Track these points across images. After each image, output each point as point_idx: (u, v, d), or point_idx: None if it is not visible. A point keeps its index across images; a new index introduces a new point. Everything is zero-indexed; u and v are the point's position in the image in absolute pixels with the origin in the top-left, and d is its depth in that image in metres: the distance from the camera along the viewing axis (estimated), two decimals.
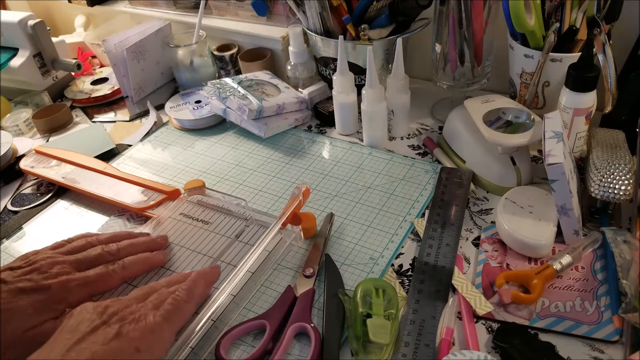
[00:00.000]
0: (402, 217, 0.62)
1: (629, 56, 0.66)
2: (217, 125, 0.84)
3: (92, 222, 0.67)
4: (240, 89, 0.79)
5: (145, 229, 0.62)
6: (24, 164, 0.76)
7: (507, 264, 0.54)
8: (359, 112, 0.74)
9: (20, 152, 0.82)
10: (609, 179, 0.54)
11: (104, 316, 0.42)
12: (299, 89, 0.83)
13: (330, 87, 0.78)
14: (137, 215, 0.67)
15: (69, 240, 0.55)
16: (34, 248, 0.53)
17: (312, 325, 0.49)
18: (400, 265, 0.56)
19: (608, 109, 0.60)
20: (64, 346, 0.40)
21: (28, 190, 0.75)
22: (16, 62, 0.93)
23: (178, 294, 0.47)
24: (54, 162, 0.76)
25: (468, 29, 0.67)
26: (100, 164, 0.74)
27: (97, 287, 0.52)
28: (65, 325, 0.42)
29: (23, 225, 0.68)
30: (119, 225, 0.66)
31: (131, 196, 0.68)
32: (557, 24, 0.61)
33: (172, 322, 0.45)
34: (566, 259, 0.52)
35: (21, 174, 0.78)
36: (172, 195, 0.67)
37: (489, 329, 0.49)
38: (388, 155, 0.72)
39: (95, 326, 0.41)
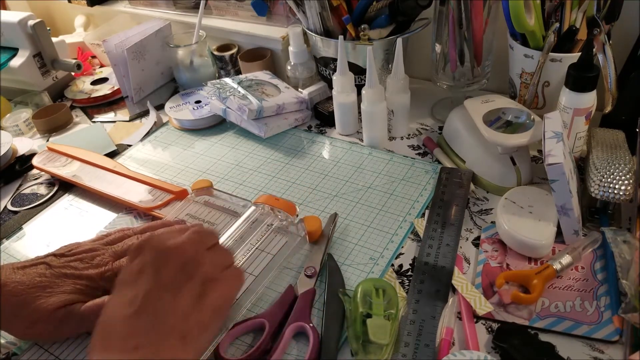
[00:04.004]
0: (402, 217, 0.62)
1: (629, 56, 0.66)
2: (217, 125, 0.84)
3: (96, 221, 0.67)
4: (240, 89, 0.79)
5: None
6: (36, 161, 0.77)
7: (507, 264, 0.54)
8: (359, 112, 0.74)
9: (20, 152, 0.82)
10: (609, 179, 0.54)
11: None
12: (299, 89, 0.83)
13: (330, 87, 0.78)
14: (144, 214, 0.67)
15: (108, 234, 0.57)
16: (34, 248, 0.53)
17: (311, 325, 0.49)
18: (400, 265, 0.56)
19: (608, 109, 0.60)
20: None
21: (28, 190, 0.75)
22: (16, 62, 0.93)
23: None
24: (63, 160, 0.77)
25: (468, 29, 0.67)
26: (110, 162, 0.74)
27: None
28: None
29: (23, 225, 0.68)
30: (126, 222, 0.66)
31: (138, 195, 0.68)
32: (557, 24, 0.61)
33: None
34: (566, 259, 0.52)
35: (21, 174, 0.78)
36: (180, 195, 0.67)
37: (489, 329, 0.49)
38: (388, 155, 0.72)
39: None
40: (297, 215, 0.60)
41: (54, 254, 0.52)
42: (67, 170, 0.74)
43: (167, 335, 0.39)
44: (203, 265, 0.43)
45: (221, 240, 0.57)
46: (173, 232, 0.46)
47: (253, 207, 0.61)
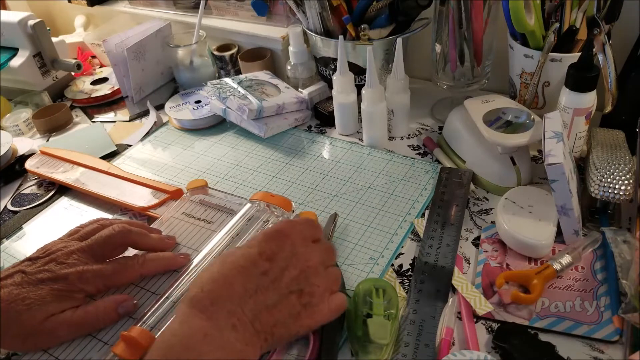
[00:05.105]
0: (402, 217, 0.62)
1: (629, 56, 0.66)
2: (217, 125, 0.84)
3: None
4: (240, 89, 0.79)
5: None
6: (29, 165, 0.77)
7: (507, 264, 0.54)
8: (359, 112, 0.74)
9: (20, 152, 0.82)
10: (609, 179, 0.54)
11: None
12: (299, 89, 0.83)
13: (330, 87, 0.78)
14: (140, 214, 0.67)
15: (83, 226, 0.56)
16: (34, 248, 0.53)
17: None
18: (400, 265, 0.56)
19: (608, 109, 0.60)
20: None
21: (28, 190, 0.75)
22: (16, 62, 0.93)
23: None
24: (58, 162, 0.76)
25: (468, 29, 0.67)
26: (103, 164, 0.74)
27: (114, 280, 0.53)
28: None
29: (23, 225, 0.68)
30: None
31: (134, 196, 0.68)
32: (557, 24, 0.61)
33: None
34: (566, 259, 0.52)
35: (21, 174, 0.78)
36: (175, 194, 0.67)
37: (489, 329, 0.49)
38: (388, 155, 0.72)
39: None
40: (293, 211, 0.60)
41: (29, 258, 0.51)
42: (62, 173, 0.74)
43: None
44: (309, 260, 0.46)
45: (218, 238, 0.57)
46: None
47: (249, 204, 0.61)
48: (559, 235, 0.54)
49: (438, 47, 0.73)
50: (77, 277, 0.50)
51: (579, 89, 0.57)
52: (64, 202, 0.72)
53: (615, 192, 0.53)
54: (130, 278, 0.54)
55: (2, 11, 0.95)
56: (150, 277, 0.55)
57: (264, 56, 0.89)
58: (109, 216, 0.68)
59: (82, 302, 0.51)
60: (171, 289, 0.52)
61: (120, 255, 0.55)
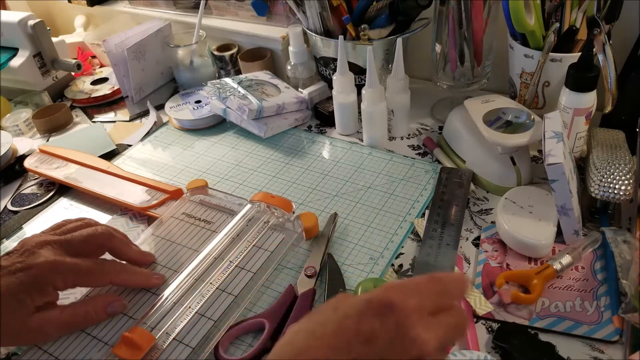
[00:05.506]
0: (402, 217, 0.62)
1: (629, 56, 0.66)
2: (217, 125, 0.84)
3: None
4: (240, 89, 0.79)
5: (148, 229, 0.62)
6: (28, 163, 0.76)
7: (507, 264, 0.54)
8: (359, 112, 0.74)
9: (20, 152, 0.82)
10: (609, 179, 0.54)
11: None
12: (299, 89, 0.83)
13: (330, 87, 0.78)
14: (140, 214, 0.67)
15: (68, 221, 0.55)
16: None
17: None
18: (400, 265, 0.56)
19: (608, 109, 0.60)
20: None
21: (28, 190, 0.75)
22: (16, 62, 0.93)
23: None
24: (57, 161, 0.76)
25: (468, 29, 0.67)
26: (103, 163, 0.74)
27: (85, 279, 0.51)
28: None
29: (23, 225, 0.68)
30: (121, 224, 0.66)
31: (134, 195, 0.68)
32: (557, 24, 0.61)
33: None
34: (566, 259, 0.52)
35: (21, 174, 0.78)
36: (175, 194, 0.67)
37: (489, 329, 0.49)
38: (388, 155, 0.72)
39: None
40: (294, 212, 0.60)
41: (7, 253, 0.50)
42: (61, 172, 0.74)
43: None
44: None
45: (219, 238, 0.57)
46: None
47: (249, 205, 0.61)
48: (559, 235, 0.54)
49: (438, 47, 0.73)
50: (49, 267, 0.48)
51: (579, 89, 0.57)
52: (64, 202, 0.72)
53: (615, 192, 0.53)
54: (103, 282, 0.52)
55: (2, 11, 0.95)
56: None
57: (264, 56, 0.89)
58: (108, 217, 0.68)
59: (54, 297, 0.49)
60: (171, 289, 0.52)
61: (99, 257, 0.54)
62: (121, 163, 0.78)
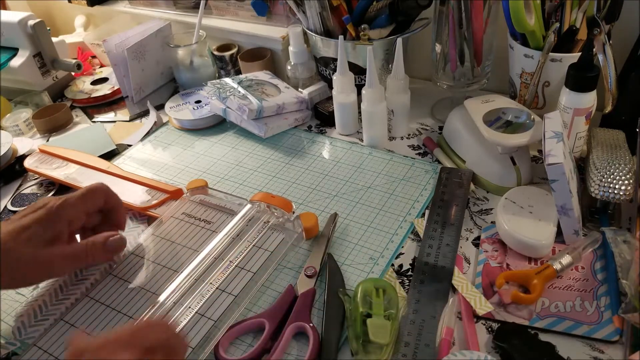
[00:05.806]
0: (402, 217, 0.62)
1: (629, 56, 0.66)
2: (217, 125, 0.84)
3: None
4: (240, 89, 0.79)
5: (148, 229, 0.62)
6: (28, 163, 0.76)
7: (507, 264, 0.54)
8: (359, 112, 0.74)
9: (21, 152, 0.82)
10: (609, 179, 0.54)
11: None
12: (299, 89, 0.83)
13: (330, 87, 0.78)
14: (140, 214, 0.67)
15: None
16: None
17: (311, 324, 0.49)
18: (400, 265, 0.56)
19: (608, 109, 0.60)
20: None
21: (28, 190, 0.75)
22: (16, 62, 0.93)
23: None
24: (57, 161, 0.76)
25: (468, 29, 0.67)
26: (103, 163, 0.74)
27: (95, 215, 0.56)
28: None
29: None
30: None
31: (134, 195, 0.68)
32: (557, 24, 0.61)
33: None
34: (566, 259, 0.52)
35: (21, 174, 0.78)
36: (175, 194, 0.67)
37: (489, 329, 0.49)
38: (388, 155, 0.72)
39: None
40: (294, 212, 0.60)
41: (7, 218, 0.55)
42: (61, 172, 0.74)
43: None
44: None
45: (219, 238, 0.57)
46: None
47: (249, 205, 0.61)
48: (559, 235, 0.54)
49: (438, 47, 0.73)
50: (58, 204, 0.52)
51: (579, 89, 0.57)
52: None
53: (615, 192, 0.53)
54: (112, 225, 0.57)
55: (2, 11, 0.95)
56: (149, 277, 0.55)
57: (264, 56, 0.89)
58: None
59: (66, 234, 0.53)
60: (171, 289, 0.52)
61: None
62: (121, 163, 0.78)
